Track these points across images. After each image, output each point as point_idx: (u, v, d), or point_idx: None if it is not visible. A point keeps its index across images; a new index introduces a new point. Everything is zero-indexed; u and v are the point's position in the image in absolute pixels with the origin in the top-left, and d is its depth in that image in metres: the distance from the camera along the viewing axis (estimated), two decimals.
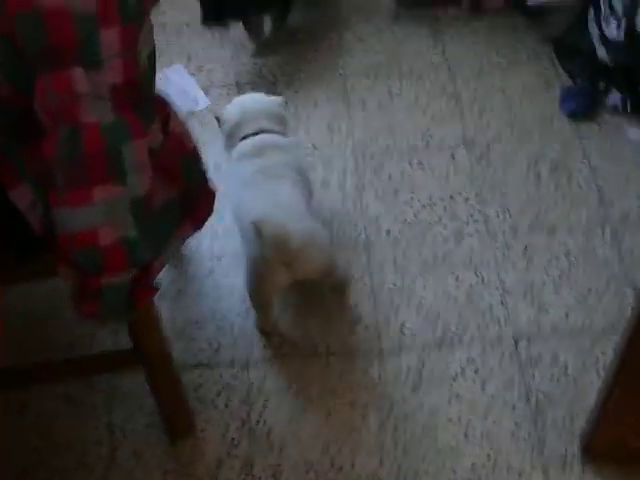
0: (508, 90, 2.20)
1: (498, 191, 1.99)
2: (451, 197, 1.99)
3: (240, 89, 2.23)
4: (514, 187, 2.00)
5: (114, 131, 1.00)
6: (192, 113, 2.20)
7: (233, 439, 1.63)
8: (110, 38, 0.98)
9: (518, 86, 2.21)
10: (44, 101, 0.96)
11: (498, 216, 1.95)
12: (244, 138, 1.78)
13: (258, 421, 1.66)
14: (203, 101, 2.22)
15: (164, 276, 1.87)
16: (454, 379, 1.69)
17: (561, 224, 1.93)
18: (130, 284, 1.10)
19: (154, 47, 1.33)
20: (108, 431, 1.66)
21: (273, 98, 1.84)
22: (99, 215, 1.03)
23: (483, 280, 1.84)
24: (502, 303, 1.80)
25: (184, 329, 1.80)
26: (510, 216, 1.94)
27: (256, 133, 1.78)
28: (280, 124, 1.82)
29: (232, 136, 1.81)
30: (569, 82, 2.20)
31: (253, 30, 2.28)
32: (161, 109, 1.12)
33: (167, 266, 1.84)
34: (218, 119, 1.85)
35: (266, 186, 1.71)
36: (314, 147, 2.10)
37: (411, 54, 2.30)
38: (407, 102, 2.18)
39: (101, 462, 1.61)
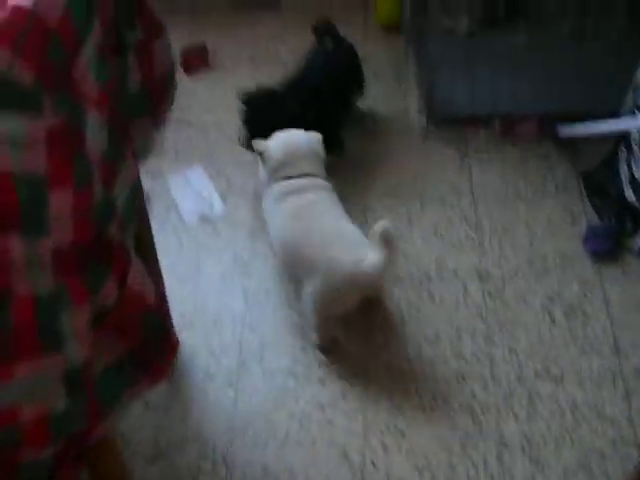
0: (532, 222, 2.13)
1: (508, 330, 1.91)
2: (457, 334, 1.91)
3: (258, 198, 2.20)
4: (525, 327, 1.91)
5: (50, 300, 0.96)
6: (206, 219, 2.18)
7: None
8: (60, 201, 0.94)
9: (542, 219, 2.13)
10: None
11: (504, 358, 1.86)
12: (287, 177, 1.93)
13: None
14: (219, 208, 2.20)
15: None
16: None
17: (570, 373, 1.83)
18: (52, 459, 1.05)
19: (138, 185, 1.30)
20: None
21: (312, 135, 1.98)
22: (22, 392, 0.98)
23: (481, 428, 1.75)
24: (497, 457, 1.70)
25: (166, 450, 1.74)
26: (517, 359, 1.86)
27: (299, 175, 1.93)
28: (319, 164, 1.97)
29: (275, 173, 1.94)
30: (596, 219, 2.12)
31: None
32: (120, 264, 1.08)
33: None
34: (261, 154, 1.96)
35: (330, 219, 1.89)
36: None
37: (436, 175, 2.24)
38: (425, 226, 2.13)
39: None
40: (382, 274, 1.74)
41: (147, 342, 1.15)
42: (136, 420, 1.81)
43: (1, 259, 0.92)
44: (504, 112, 2.32)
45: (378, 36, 2.64)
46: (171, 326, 1.22)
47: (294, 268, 1.92)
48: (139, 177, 1.27)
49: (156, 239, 2.12)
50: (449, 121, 2.36)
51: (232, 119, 2.26)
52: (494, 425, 1.75)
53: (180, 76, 2.53)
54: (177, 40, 2.56)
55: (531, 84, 2.27)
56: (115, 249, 1.08)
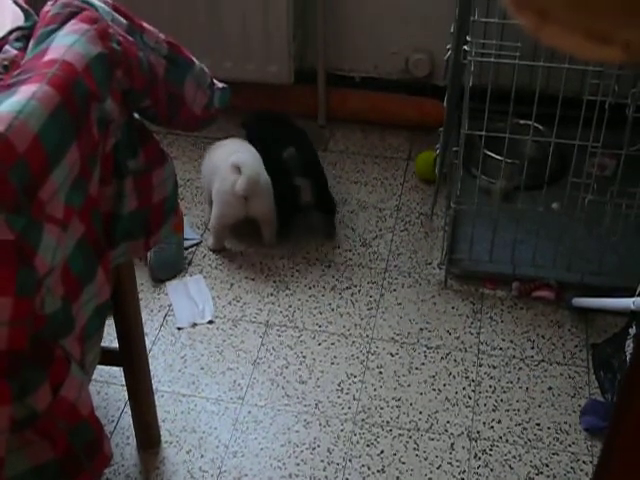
0: (532, 388, 2.12)
1: None
2: None
3: (268, 328, 2.26)
4: None
5: None
6: (195, 325, 2.27)
7: None
8: None
9: (544, 386, 2.12)
10: None
11: None
12: None
13: None
14: (209, 314, 2.30)
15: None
16: None
17: None
18: None
19: (107, 305, 1.38)
20: None
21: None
22: None
23: None
24: None
25: None
26: None
27: None
28: None
29: None
30: (599, 394, 2.10)
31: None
32: (57, 373, 1.14)
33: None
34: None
35: (238, 144, 2.52)
36: (317, 405, 2.07)
37: (445, 328, 2.26)
38: (424, 378, 2.14)
39: None
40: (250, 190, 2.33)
41: (76, 452, 1.20)
42: None
43: None
44: (523, 275, 2.35)
45: (415, 186, 2.72)
46: (105, 438, 1.26)
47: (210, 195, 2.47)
48: (109, 300, 1.34)
49: (161, 353, 2.20)
50: (468, 277, 2.40)
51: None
52: None
53: None
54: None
55: (554, 250, 2.30)
56: (56, 358, 1.14)
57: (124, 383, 1.92)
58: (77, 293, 1.24)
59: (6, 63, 1.31)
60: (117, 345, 1.83)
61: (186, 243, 2.51)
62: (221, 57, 2.77)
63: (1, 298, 1.02)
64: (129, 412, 1.97)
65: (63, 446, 1.17)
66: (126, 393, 1.94)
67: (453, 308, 2.33)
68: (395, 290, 2.38)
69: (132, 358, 1.83)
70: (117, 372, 2.01)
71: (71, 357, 1.19)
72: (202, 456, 1.97)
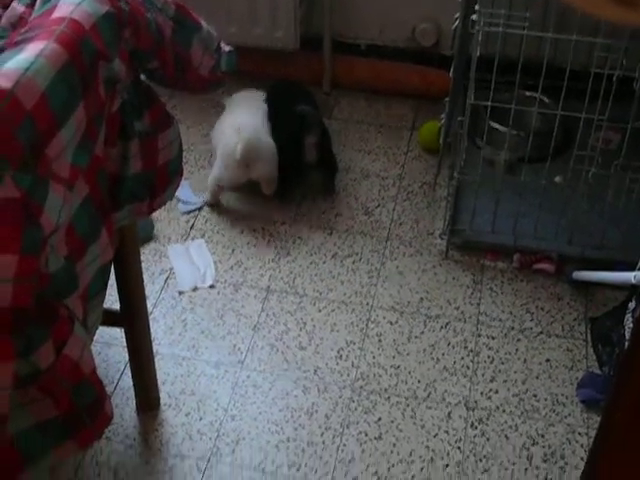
0: (530, 360, 2.13)
1: (483, 464, 1.90)
2: (432, 459, 1.91)
3: (269, 293, 2.27)
4: (500, 465, 1.90)
5: None
6: (196, 289, 2.28)
7: None
8: (3, 265, 1.02)
9: (542, 358, 2.13)
10: None
11: None
12: None
13: None
14: (210, 278, 2.31)
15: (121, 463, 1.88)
16: None
17: None
18: None
19: (109, 267, 1.38)
20: None
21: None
22: None
23: None
24: None
25: None
26: None
27: None
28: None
29: None
30: (596, 367, 2.11)
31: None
32: (60, 331, 1.14)
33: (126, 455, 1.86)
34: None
35: (244, 108, 2.53)
36: (316, 371, 2.08)
37: (446, 299, 2.27)
38: (423, 347, 2.15)
39: None
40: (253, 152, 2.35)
41: (78, 410, 1.21)
42: None
43: None
44: (524, 247, 2.35)
45: (419, 156, 2.72)
46: (106, 398, 1.28)
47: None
48: (111, 261, 1.35)
49: (162, 316, 2.20)
50: (470, 248, 2.40)
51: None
52: None
53: None
54: None
55: (556, 223, 2.30)
56: (60, 317, 1.15)
57: (125, 345, 1.93)
58: (81, 253, 1.25)
59: (13, 20, 1.30)
60: (118, 307, 1.83)
61: (188, 207, 2.51)
62: (227, 22, 2.75)
63: (7, 255, 1.03)
64: (129, 374, 1.98)
65: (66, 404, 1.18)
66: (126, 355, 1.95)
67: (454, 278, 2.33)
68: (396, 259, 2.38)
69: (133, 320, 1.84)
70: (118, 333, 2.02)
71: (74, 316, 1.20)
72: (201, 419, 1.98)
